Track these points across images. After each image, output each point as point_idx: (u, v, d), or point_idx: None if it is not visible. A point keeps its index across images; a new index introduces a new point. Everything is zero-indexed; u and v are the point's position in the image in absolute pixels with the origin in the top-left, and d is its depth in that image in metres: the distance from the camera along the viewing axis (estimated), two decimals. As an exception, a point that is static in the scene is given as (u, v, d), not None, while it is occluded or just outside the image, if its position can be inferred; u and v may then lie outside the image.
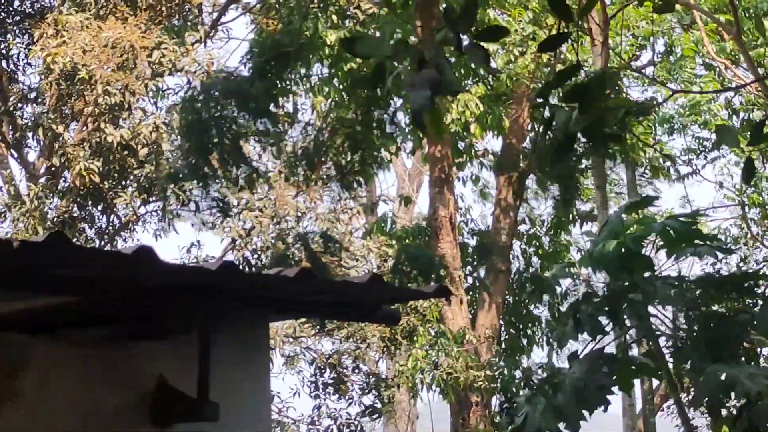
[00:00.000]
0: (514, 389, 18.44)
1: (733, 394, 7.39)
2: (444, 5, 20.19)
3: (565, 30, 5.38)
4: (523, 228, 23.57)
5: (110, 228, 19.91)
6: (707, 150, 25.98)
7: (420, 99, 4.63)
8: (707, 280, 7.88)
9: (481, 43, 4.89)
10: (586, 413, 7.40)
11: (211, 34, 20.33)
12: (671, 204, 29.67)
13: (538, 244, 22.66)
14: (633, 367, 7.74)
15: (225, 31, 20.88)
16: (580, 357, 7.61)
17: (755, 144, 5.23)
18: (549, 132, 5.11)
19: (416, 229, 20.64)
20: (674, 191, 66.72)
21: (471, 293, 21.06)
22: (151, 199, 19.61)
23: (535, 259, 22.97)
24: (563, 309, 8.02)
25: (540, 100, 5.02)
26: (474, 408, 19.11)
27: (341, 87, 20.46)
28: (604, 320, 7.81)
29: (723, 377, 7.07)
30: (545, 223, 24.36)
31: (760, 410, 7.21)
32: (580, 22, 19.17)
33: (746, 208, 26.30)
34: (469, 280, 21.36)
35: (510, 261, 21.24)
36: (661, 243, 7.89)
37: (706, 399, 7.23)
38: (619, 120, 5.01)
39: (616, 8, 20.87)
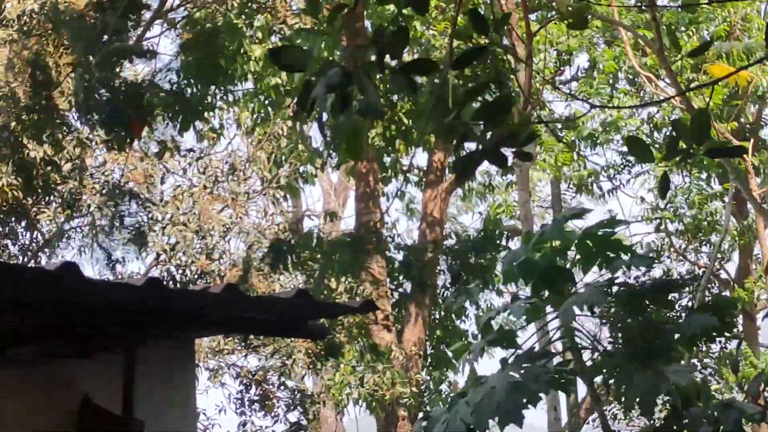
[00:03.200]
0: (440, 403, 18.49)
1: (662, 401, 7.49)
2: (372, 25, 20.28)
3: (484, 45, 5.45)
4: (449, 243, 23.65)
5: (34, 244, 19.71)
6: (631, 165, 26.27)
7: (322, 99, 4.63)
8: (630, 290, 7.95)
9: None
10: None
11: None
12: (597, 219, 29.85)
13: (463, 258, 22.69)
14: (552, 379, 7.74)
15: (150, 46, 20.68)
16: (511, 360, 7.64)
17: (669, 158, 5.29)
18: (462, 149, 5.14)
19: (342, 245, 20.64)
20: (599, 207, 67.11)
21: (397, 308, 21.09)
22: (75, 215, 19.43)
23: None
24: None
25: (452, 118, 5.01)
26: (401, 422, 19.13)
27: (266, 102, 20.47)
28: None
29: (650, 378, 7.13)
30: (471, 238, 24.46)
31: (692, 416, 7.30)
32: (500, 38, 19.34)
33: (666, 222, 26.60)
34: (396, 295, 21.39)
35: (436, 276, 21.29)
36: (579, 257, 7.94)
37: (638, 399, 7.28)
38: (527, 137, 5.04)
39: (539, 24, 21.11)
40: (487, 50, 5.51)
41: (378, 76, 4.90)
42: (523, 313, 7.67)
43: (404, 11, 19.00)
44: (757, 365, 22.56)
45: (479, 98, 5.14)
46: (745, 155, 20.81)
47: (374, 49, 4.69)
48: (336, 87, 4.60)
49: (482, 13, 5.30)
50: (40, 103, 17.43)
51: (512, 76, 18.05)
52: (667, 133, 23.35)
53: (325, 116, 4.95)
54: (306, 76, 4.75)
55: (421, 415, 7.85)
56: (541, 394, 7.56)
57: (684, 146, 5.08)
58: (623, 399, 7.65)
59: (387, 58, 4.73)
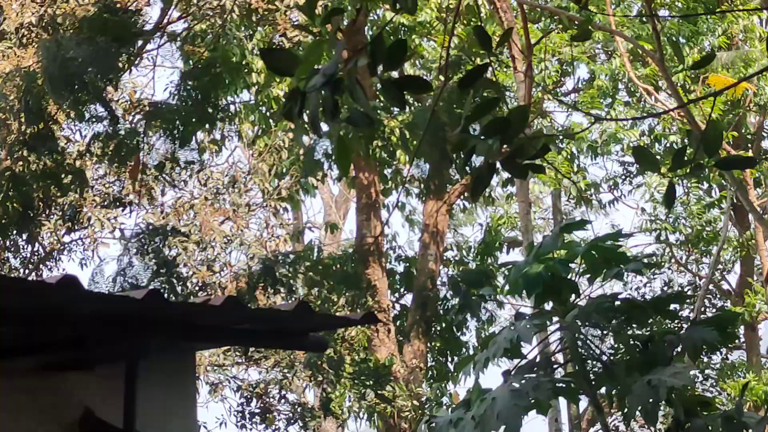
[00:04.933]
0: (447, 409, 18.44)
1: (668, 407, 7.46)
2: (370, 34, 20.28)
3: (486, 63, 5.45)
4: (450, 254, 23.62)
5: (35, 257, 19.68)
6: (632, 175, 26.22)
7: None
8: (633, 302, 7.94)
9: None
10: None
11: (136, 61, 20.16)
12: (597, 230, 29.82)
13: (465, 270, 22.66)
14: (554, 388, 7.72)
15: (150, 59, 20.68)
16: (513, 372, 7.62)
17: (676, 169, 5.27)
18: (469, 164, 5.12)
19: (343, 257, 20.62)
20: (600, 218, 67.06)
21: (399, 320, 21.06)
22: (75, 227, 19.39)
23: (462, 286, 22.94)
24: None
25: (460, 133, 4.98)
26: (402, 435, 19.09)
27: (267, 113, 20.47)
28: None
29: (649, 385, 7.11)
30: (472, 250, 24.44)
31: (695, 427, 7.27)
32: (500, 52, 19.36)
33: (667, 233, 26.55)
34: (397, 307, 21.36)
35: (437, 287, 21.26)
36: (584, 268, 7.94)
37: (640, 407, 7.24)
38: (539, 150, 5.02)
39: (540, 34, 21.09)
40: (488, 66, 5.49)
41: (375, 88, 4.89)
42: (531, 335, 7.66)
43: (404, 21, 18.99)
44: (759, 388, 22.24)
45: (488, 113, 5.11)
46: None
47: (368, 56, 4.65)
48: (330, 81, 4.55)
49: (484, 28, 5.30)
50: (39, 117, 17.43)
51: (514, 87, 18.06)
52: (668, 145, 23.32)
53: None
54: (295, 82, 4.72)
55: (425, 418, 7.81)
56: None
57: (691, 157, 5.08)
58: (626, 409, 7.61)
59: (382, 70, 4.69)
